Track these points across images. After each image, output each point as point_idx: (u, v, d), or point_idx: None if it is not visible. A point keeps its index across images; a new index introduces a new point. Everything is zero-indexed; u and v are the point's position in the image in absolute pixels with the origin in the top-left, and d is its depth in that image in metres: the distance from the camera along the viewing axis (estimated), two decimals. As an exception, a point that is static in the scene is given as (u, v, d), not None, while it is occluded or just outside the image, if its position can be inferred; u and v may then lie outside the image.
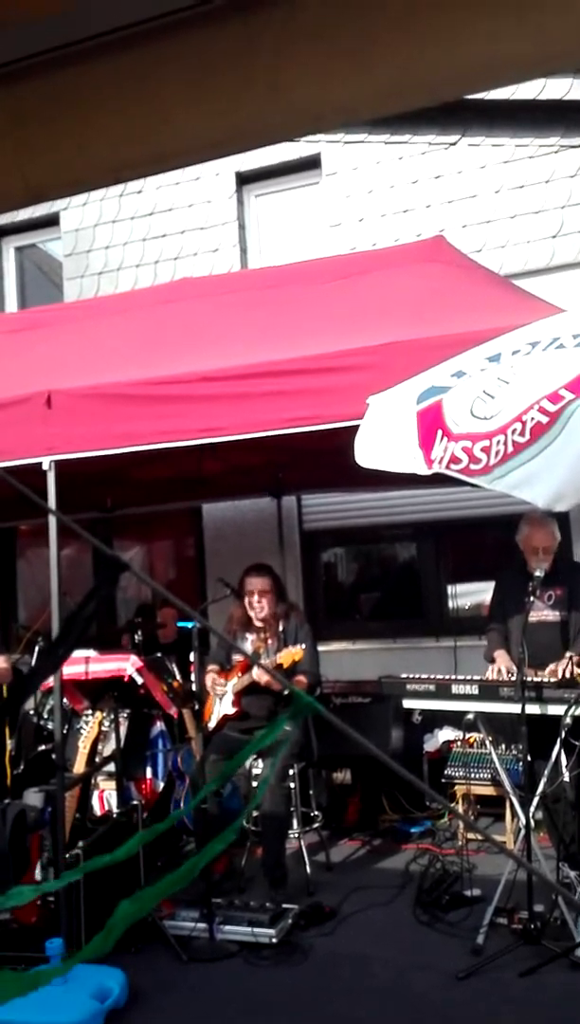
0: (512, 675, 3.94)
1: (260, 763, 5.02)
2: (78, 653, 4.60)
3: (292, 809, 4.82)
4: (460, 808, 4.91)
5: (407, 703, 4.18)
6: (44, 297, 8.05)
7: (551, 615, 4.22)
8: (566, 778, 3.86)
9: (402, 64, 1.44)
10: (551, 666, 3.94)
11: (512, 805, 4.21)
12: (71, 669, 4.49)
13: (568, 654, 4.02)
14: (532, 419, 2.56)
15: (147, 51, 1.43)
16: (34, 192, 1.49)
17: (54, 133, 1.42)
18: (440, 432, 2.83)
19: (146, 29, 1.39)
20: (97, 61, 1.40)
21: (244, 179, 7.30)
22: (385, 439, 3.10)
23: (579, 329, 2.85)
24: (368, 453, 3.19)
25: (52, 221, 7.90)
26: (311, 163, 7.06)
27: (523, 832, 3.75)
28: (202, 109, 1.47)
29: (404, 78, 1.46)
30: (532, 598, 3.94)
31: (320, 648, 5.01)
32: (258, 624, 4.73)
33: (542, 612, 4.19)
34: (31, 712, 5.26)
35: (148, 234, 7.52)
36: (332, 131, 6.52)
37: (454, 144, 6.61)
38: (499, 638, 4.35)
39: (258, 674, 4.40)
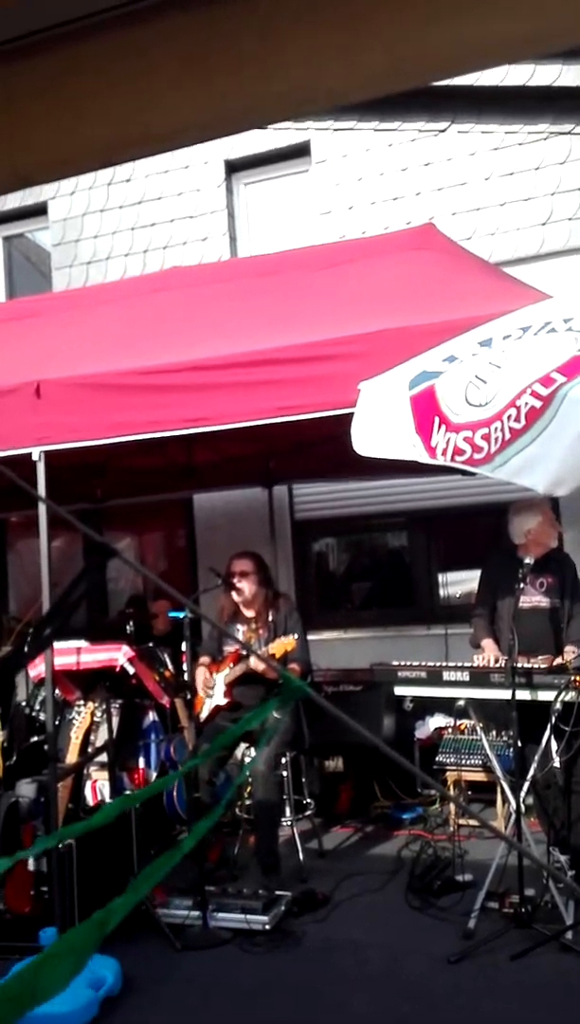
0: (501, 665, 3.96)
1: (252, 751, 5.03)
2: (70, 644, 4.59)
3: (284, 797, 4.83)
4: (451, 794, 4.93)
5: (399, 690, 4.19)
6: (32, 287, 8.00)
7: (544, 602, 4.23)
8: (556, 763, 3.88)
9: (392, 45, 1.43)
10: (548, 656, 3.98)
11: (503, 791, 4.23)
12: (62, 659, 4.47)
13: (568, 647, 4.03)
14: (526, 404, 2.56)
15: (136, 32, 1.42)
16: (22, 176, 1.48)
17: (43, 114, 1.41)
18: (438, 420, 2.82)
19: (135, 10, 1.38)
20: (86, 42, 1.39)
21: (233, 167, 7.26)
22: (381, 427, 3.09)
23: (570, 313, 2.85)
24: (366, 442, 3.17)
25: (40, 210, 7.84)
26: (300, 151, 7.02)
27: (514, 817, 3.77)
28: (190, 91, 1.46)
29: (394, 60, 1.44)
30: (523, 584, 3.96)
31: (312, 637, 5.02)
32: (247, 614, 4.72)
33: (534, 598, 4.20)
34: (23, 703, 5.25)
35: (137, 223, 7.47)
36: (321, 114, 6.49)
37: (443, 131, 6.59)
38: (486, 624, 4.36)
39: (254, 663, 4.41)
